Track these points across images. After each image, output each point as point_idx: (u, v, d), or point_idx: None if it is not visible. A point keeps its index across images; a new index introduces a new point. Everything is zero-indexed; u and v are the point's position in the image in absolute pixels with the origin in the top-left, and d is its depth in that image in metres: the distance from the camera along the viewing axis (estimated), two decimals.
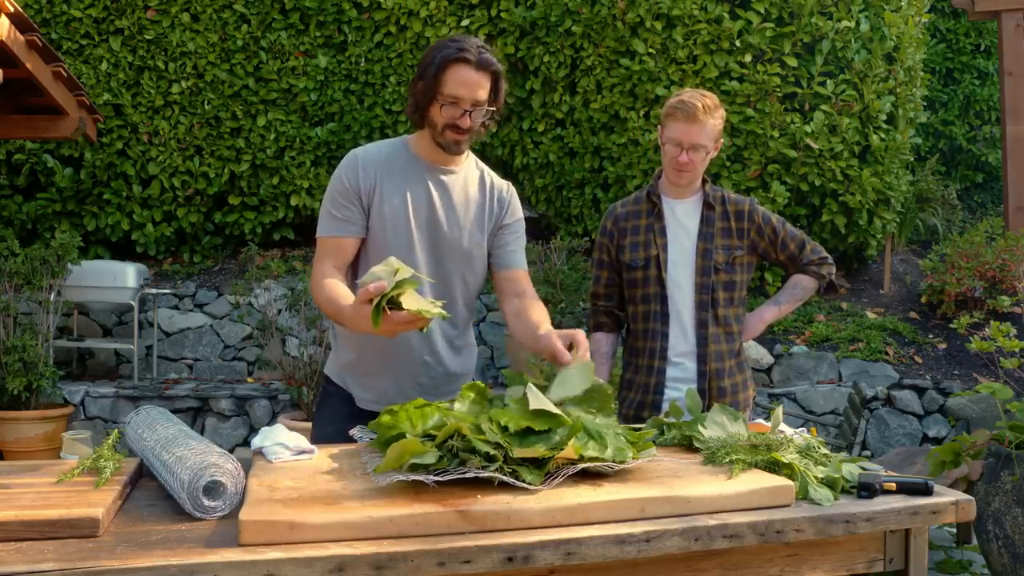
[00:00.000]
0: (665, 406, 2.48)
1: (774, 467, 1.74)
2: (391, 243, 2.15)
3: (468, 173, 2.25)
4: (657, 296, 2.55)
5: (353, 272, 2.20)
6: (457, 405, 1.75)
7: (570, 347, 1.95)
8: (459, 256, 2.21)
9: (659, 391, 2.54)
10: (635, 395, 2.60)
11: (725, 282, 2.55)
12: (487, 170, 2.31)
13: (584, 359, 1.91)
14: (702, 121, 2.43)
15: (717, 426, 1.98)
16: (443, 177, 2.20)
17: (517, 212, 2.32)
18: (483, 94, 2.10)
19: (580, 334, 1.98)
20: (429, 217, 2.18)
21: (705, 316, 2.54)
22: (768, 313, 2.70)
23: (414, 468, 1.53)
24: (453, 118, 2.09)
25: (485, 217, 2.25)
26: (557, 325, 5.42)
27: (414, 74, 2.17)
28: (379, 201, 2.14)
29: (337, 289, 2.01)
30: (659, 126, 2.56)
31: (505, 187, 2.32)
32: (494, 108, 2.14)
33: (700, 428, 1.97)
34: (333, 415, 2.24)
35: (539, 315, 2.15)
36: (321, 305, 2.06)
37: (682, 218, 2.58)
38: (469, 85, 2.07)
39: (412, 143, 2.22)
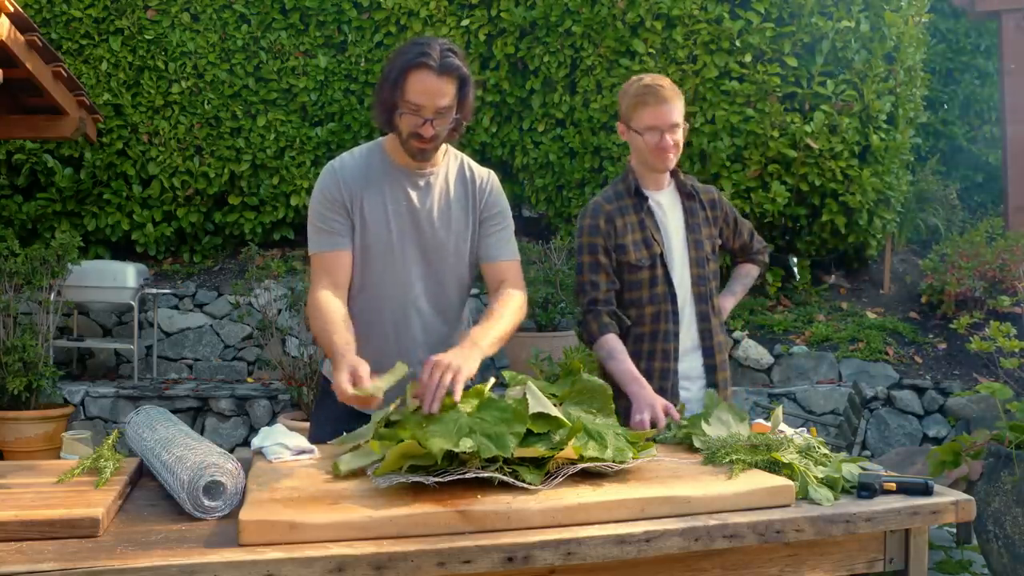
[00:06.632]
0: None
1: (774, 467, 1.74)
2: (378, 253, 2.14)
3: (447, 169, 2.22)
4: (666, 295, 2.48)
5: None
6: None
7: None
8: (449, 256, 2.20)
9: (675, 393, 2.47)
10: None
11: (714, 271, 2.58)
12: (467, 161, 2.27)
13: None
14: (671, 99, 2.42)
15: (721, 424, 1.99)
16: (421, 180, 2.17)
17: (499, 201, 2.26)
18: (446, 101, 2.02)
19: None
20: (413, 223, 2.16)
21: (705, 308, 2.52)
22: (727, 303, 2.73)
23: (414, 469, 1.53)
24: (416, 127, 2.04)
25: (469, 211, 2.22)
26: (556, 325, 5.44)
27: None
28: (361, 212, 2.13)
29: (338, 329, 1.98)
30: (620, 120, 2.50)
31: (486, 176, 2.26)
32: (459, 116, 2.07)
33: (704, 425, 1.97)
34: (331, 415, 2.23)
35: (494, 306, 2.10)
36: (316, 335, 2.04)
37: (668, 211, 2.55)
38: (430, 93, 2.00)
39: (388, 146, 2.20)
